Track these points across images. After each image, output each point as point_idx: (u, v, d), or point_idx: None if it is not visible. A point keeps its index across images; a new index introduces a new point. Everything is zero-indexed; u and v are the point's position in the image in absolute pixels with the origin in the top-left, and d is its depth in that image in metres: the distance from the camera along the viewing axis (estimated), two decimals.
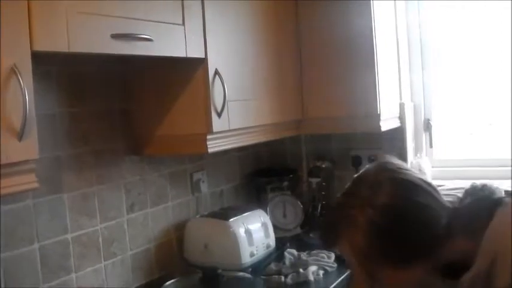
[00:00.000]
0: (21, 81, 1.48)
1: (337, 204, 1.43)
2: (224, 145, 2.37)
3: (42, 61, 1.59)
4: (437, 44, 3.44)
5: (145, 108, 2.42)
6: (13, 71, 1.48)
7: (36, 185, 1.59)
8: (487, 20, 3.26)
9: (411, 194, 1.36)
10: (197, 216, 2.81)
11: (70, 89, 2.25)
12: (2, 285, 1.97)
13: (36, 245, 2.10)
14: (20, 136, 1.49)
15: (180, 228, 2.75)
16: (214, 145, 2.29)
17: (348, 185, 1.45)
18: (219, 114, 2.26)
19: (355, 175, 1.47)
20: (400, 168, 1.44)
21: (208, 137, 2.27)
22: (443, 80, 3.47)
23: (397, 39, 3.31)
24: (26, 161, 1.54)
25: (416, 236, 1.34)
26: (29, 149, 1.53)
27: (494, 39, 3.26)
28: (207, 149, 2.27)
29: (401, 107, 3.34)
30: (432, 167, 3.43)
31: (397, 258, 1.34)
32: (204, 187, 2.92)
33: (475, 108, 3.40)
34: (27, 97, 1.48)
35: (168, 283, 2.22)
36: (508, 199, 1.43)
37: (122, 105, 2.46)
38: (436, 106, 3.51)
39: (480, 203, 1.44)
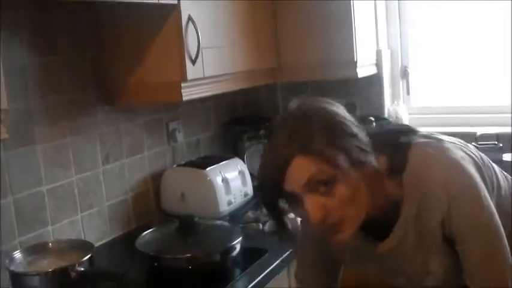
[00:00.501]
0: None
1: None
2: (199, 93, 2.34)
3: (8, 9, 1.53)
4: None
5: (117, 56, 2.37)
6: None
7: (6, 135, 1.56)
8: None
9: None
10: (174, 166, 2.79)
11: (40, 38, 2.18)
12: None
13: (10, 198, 2.07)
14: None
15: (156, 178, 2.74)
16: (189, 93, 2.26)
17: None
18: (193, 62, 2.22)
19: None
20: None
21: (183, 84, 2.23)
22: (421, 27, 3.44)
23: None
24: None
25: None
26: None
27: None
28: (181, 97, 2.23)
29: (378, 53, 3.31)
30: (409, 114, 3.43)
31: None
32: (180, 136, 2.89)
33: (451, 55, 3.38)
34: None
35: (144, 233, 2.21)
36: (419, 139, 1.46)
37: (93, 54, 2.40)
38: (413, 53, 3.48)
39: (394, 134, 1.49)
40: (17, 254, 1.94)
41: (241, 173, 2.75)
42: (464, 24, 3.30)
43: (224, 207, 2.58)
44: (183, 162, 2.81)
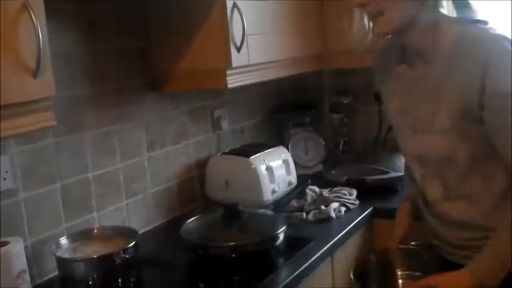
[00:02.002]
0: (33, 17, 1.43)
1: None
2: (244, 80, 2.33)
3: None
4: None
5: (164, 44, 2.38)
6: (24, 6, 1.43)
7: (53, 122, 1.57)
8: None
9: None
10: (218, 154, 2.79)
11: (87, 27, 2.20)
12: (25, 225, 1.98)
13: (57, 184, 2.10)
14: (35, 73, 1.46)
15: (201, 166, 2.74)
16: (234, 80, 2.25)
17: None
18: (238, 49, 2.21)
19: None
20: None
21: (228, 72, 2.23)
22: None
23: None
24: (42, 99, 1.51)
25: None
26: (44, 86, 1.50)
27: None
28: (226, 84, 2.23)
29: None
30: None
31: None
32: (225, 124, 2.89)
33: None
34: (40, 33, 1.44)
35: (189, 220, 2.21)
36: None
37: (140, 42, 2.41)
38: None
39: None
40: (63, 240, 1.96)
41: (285, 161, 2.73)
42: None
43: (268, 196, 2.57)
44: (227, 150, 2.81)
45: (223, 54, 2.21)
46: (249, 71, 2.34)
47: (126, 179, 2.38)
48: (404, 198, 2.13)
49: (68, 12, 2.12)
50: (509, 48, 1.53)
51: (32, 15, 1.43)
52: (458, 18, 1.67)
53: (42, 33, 1.45)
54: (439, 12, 1.66)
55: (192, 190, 2.72)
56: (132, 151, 2.40)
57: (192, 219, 2.23)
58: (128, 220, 2.38)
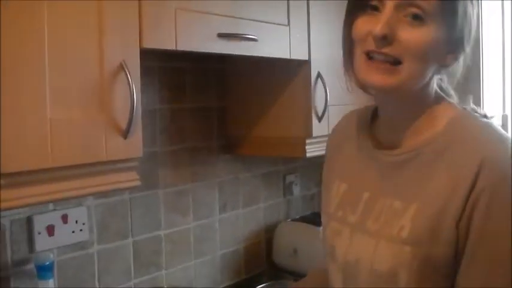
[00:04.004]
0: (129, 77, 1.47)
1: None
2: (322, 150, 2.30)
3: (145, 57, 1.58)
4: None
5: (243, 107, 2.40)
6: (121, 67, 1.47)
7: (138, 182, 1.59)
8: None
9: None
10: (288, 220, 2.76)
11: (170, 85, 2.25)
12: (96, 278, 1.99)
13: (130, 240, 2.11)
14: (126, 134, 1.48)
15: (270, 231, 2.72)
16: (312, 149, 2.24)
17: None
18: (320, 119, 2.20)
19: None
20: None
21: (307, 141, 2.22)
22: None
23: (503, 47, 3.16)
24: (130, 159, 1.54)
25: None
26: (133, 146, 1.52)
27: None
28: (305, 154, 2.22)
29: (504, 118, 3.20)
30: None
31: None
32: (296, 190, 2.88)
33: None
34: (134, 95, 1.47)
35: (258, 287, 2.18)
36: None
37: (219, 103, 2.44)
38: None
39: None
40: None
41: None
42: None
43: None
44: (297, 217, 2.79)
45: (304, 123, 2.21)
46: (326, 140, 2.33)
47: (197, 238, 2.37)
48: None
49: (154, 70, 2.17)
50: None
51: (128, 75, 1.47)
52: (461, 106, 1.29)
53: (136, 94, 1.48)
54: (442, 93, 1.30)
55: (259, 255, 2.69)
56: (204, 211, 2.41)
57: (262, 285, 2.20)
58: (195, 280, 2.36)
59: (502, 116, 3.20)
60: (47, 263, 1.79)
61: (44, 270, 1.79)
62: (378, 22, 1.14)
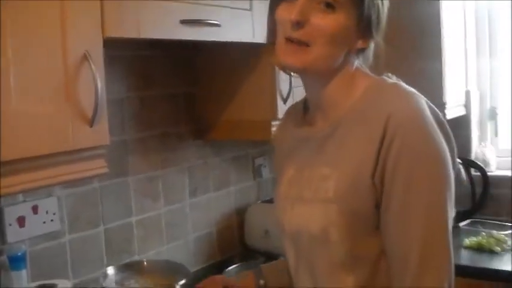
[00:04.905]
0: (93, 67, 1.48)
1: None
2: None
3: (110, 46, 1.60)
4: (505, 31, 3.33)
5: (210, 92, 2.42)
6: (85, 57, 1.48)
7: (106, 170, 1.61)
8: None
9: None
10: (258, 202, 2.80)
11: (137, 73, 2.26)
12: (69, 267, 2.01)
13: (101, 228, 2.13)
14: (92, 122, 1.49)
15: (241, 213, 2.76)
16: None
17: None
18: (285, 101, 2.23)
19: None
20: None
21: (273, 123, 2.25)
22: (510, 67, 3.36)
23: (465, 24, 3.22)
24: (96, 147, 1.55)
25: None
26: (100, 135, 1.54)
27: None
28: (271, 135, 2.25)
29: (467, 94, 3.26)
30: (497, 156, 3.35)
31: None
32: (265, 172, 2.91)
33: None
34: (98, 84, 1.49)
35: (230, 268, 2.22)
36: None
37: (187, 89, 2.46)
38: (502, 94, 3.40)
39: None
40: (110, 270, 1.96)
41: None
42: None
43: None
44: (268, 198, 2.82)
45: (270, 105, 2.24)
46: None
47: (168, 223, 2.40)
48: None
49: (120, 59, 2.18)
50: (421, 106, 1.29)
51: (92, 65, 1.48)
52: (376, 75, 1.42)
53: (100, 83, 1.50)
54: (361, 68, 1.41)
55: (231, 237, 2.73)
56: (174, 196, 2.43)
57: (233, 267, 2.24)
58: None
59: (465, 91, 3.26)
60: (19, 254, 1.81)
61: (16, 261, 1.80)
62: (294, 9, 1.27)
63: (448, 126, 1.33)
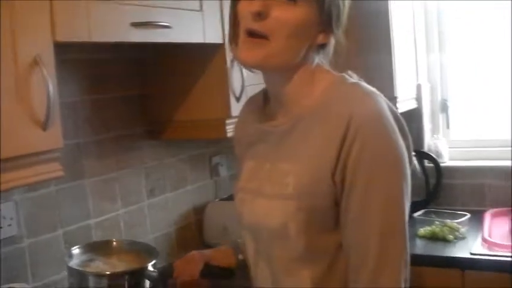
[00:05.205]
0: (44, 72, 1.49)
1: None
2: None
3: (62, 50, 1.62)
4: (454, 25, 3.42)
5: (164, 93, 2.44)
6: (36, 62, 1.49)
7: (61, 173, 1.62)
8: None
9: None
10: (216, 200, 2.84)
11: (90, 76, 2.27)
12: (28, 271, 2.01)
13: (60, 231, 2.14)
14: (45, 126, 1.51)
15: (199, 212, 2.79)
16: (232, 129, 2.29)
17: None
18: (238, 99, 2.27)
19: None
20: None
21: (227, 121, 2.29)
22: (460, 61, 3.45)
23: (414, 20, 3.29)
24: (50, 150, 1.57)
25: None
26: (53, 138, 1.55)
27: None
28: (226, 134, 2.29)
29: (418, 88, 3.34)
30: (449, 147, 3.43)
31: None
32: (223, 170, 2.95)
33: (492, 88, 3.37)
34: (50, 87, 1.50)
35: None
36: None
37: (141, 90, 2.48)
38: (453, 87, 3.49)
39: None
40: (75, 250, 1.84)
41: None
42: (505, 52, 3.28)
43: None
44: (225, 196, 2.86)
45: (223, 104, 2.28)
46: None
47: (127, 224, 2.42)
48: None
49: (73, 62, 2.18)
50: (380, 106, 1.32)
51: (43, 69, 1.49)
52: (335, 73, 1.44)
53: (52, 87, 1.51)
54: (322, 65, 1.42)
55: (191, 236, 2.76)
56: (132, 197, 2.45)
57: None
58: None
59: (417, 85, 3.33)
60: None
61: None
62: (255, 1, 1.28)
63: (405, 124, 1.37)
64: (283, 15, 1.29)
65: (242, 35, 1.33)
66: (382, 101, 1.34)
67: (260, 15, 1.28)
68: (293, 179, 1.35)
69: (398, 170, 1.30)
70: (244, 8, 1.32)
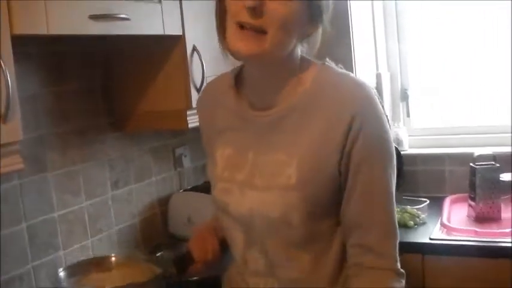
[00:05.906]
0: (2, 65, 1.50)
1: None
2: None
3: (21, 43, 1.62)
4: (413, 13, 3.46)
5: (126, 85, 2.46)
6: None
7: (21, 165, 1.63)
8: None
9: None
10: (180, 191, 2.86)
11: (51, 69, 2.27)
12: None
13: (23, 225, 2.14)
14: (4, 119, 1.52)
15: (164, 203, 2.81)
16: (194, 120, 2.33)
17: None
18: (198, 90, 2.29)
19: None
20: None
21: (188, 112, 2.31)
22: (420, 49, 3.49)
23: (373, 9, 3.33)
24: (10, 143, 1.57)
25: None
26: (13, 130, 1.56)
27: (471, 7, 3.28)
28: (187, 125, 2.31)
29: (378, 77, 3.37)
30: (409, 136, 3.48)
31: None
32: (186, 162, 2.96)
33: (451, 76, 3.43)
34: (9, 80, 1.51)
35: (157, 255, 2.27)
36: None
37: (103, 82, 2.49)
38: (412, 75, 3.54)
39: None
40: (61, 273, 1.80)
41: None
42: (464, 42, 3.33)
43: None
44: (189, 187, 2.88)
45: (184, 95, 2.30)
46: None
47: (91, 217, 2.43)
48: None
49: (32, 55, 2.18)
50: (375, 97, 1.41)
51: (1, 63, 1.50)
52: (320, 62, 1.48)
53: (11, 80, 1.52)
54: (303, 54, 1.47)
55: (155, 227, 2.78)
56: (96, 190, 2.46)
57: (158, 254, 2.28)
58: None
59: (376, 74, 3.37)
60: None
61: None
62: None
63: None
64: (278, 9, 1.31)
65: (233, 27, 1.35)
66: (372, 90, 1.43)
67: (255, 10, 1.29)
68: (295, 170, 1.38)
69: (392, 150, 1.41)
70: (237, 2, 1.32)
